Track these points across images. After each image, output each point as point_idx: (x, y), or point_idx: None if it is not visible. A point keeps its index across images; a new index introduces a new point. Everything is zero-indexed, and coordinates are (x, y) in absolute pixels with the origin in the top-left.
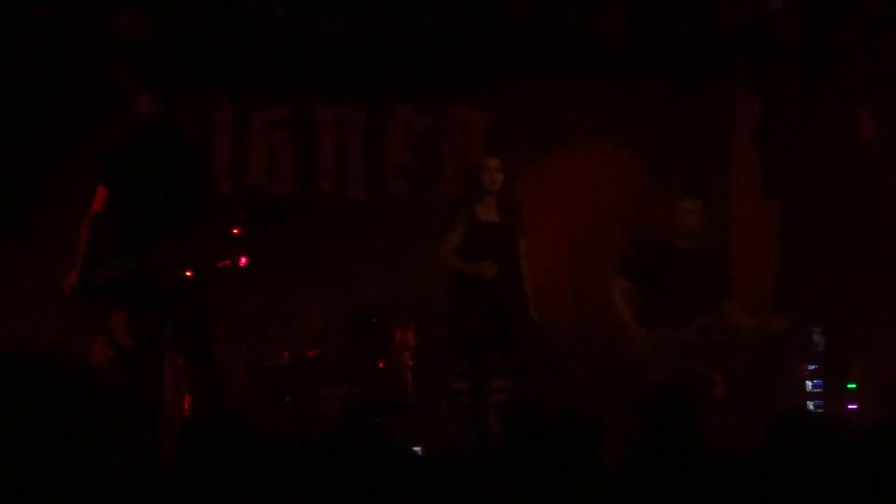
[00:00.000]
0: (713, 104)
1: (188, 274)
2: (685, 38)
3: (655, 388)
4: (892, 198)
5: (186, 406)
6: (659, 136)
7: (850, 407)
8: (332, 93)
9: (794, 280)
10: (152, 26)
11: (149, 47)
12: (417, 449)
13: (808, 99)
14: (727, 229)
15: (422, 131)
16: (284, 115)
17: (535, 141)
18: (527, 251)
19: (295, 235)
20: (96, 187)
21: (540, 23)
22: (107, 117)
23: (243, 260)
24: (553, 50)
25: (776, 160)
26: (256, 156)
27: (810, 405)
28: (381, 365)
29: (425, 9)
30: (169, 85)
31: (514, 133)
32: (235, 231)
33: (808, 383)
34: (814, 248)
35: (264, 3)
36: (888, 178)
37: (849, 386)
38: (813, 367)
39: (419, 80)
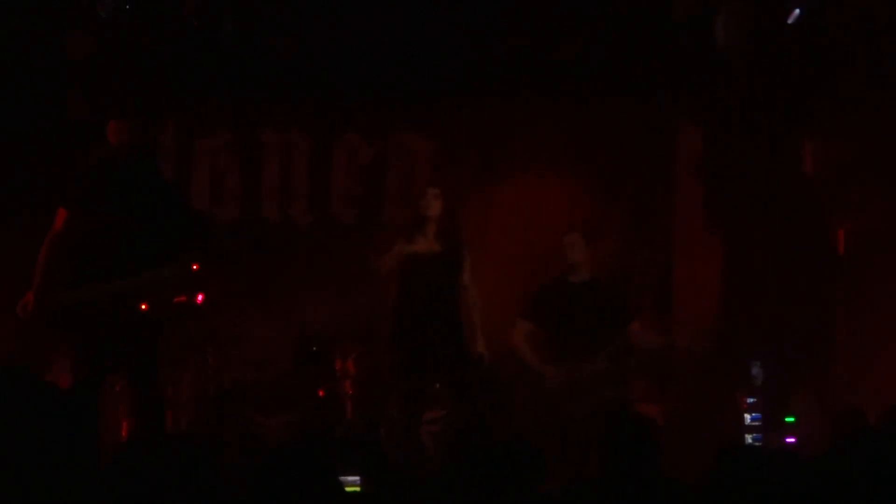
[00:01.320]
0: (657, 134)
1: (143, 307)
2: (630, 68)
3: (578, 421)
4: (833, 231)
5: (124, 432)
6: (604, 165)
7: (788, 440)
8: (277, 117)
9: (736, 312)
10: (99, 48)
11: (95, 69)
12: (355, 478)
13: (751, 131)
14: (670, 260)
15: (367, 158)
16: (229, 139)
17: (480, 169)
18: (472, 281)
19: (238, 260)
20: (57, 210)
21: (485, 51)
22: (57, 137)
23: (200, 297)
24: (499, 78)
25: (718, 192)
26: (200, 180)
27: (749, 438)
28: (321, 393)
29: (370, 35)
30: (134, 115)
31: (459, 161)
32: (194, 267)
33: (747, 416)
34: (755, 281)
35: (211, 26)
36: (830, 211)
37: (787, 419)
38: (752, 399)
39: (365, 107)
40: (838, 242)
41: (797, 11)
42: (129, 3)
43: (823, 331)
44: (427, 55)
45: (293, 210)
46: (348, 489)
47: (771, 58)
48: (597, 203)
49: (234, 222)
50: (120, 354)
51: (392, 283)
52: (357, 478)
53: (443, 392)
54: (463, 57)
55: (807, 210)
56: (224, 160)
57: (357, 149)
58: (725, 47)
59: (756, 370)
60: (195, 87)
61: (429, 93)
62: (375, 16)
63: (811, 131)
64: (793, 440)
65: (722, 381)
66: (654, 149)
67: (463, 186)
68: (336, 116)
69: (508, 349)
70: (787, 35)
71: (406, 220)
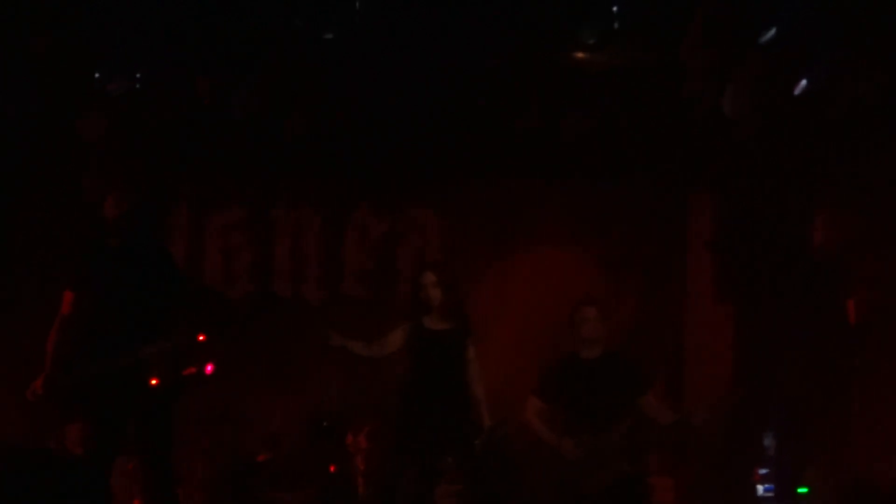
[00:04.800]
0: (669, 207)
1: (154, 382)
2: (641, 144)
3: (594, 498)
4: (843, 300)
5: None
6: (616, 238)
7: None
8: (288, 194)
9: (748, 383)
10: (112, 129)
11: (108, 150)
12: None
13: (762, 202)
14: (682, 332)
15: (378, 234)
16: (240, 216)
17: (492, 244)
18: (479, 355)
19: (251, 337)
20: (63, 292)
21: (497, 126)
22: (71, 218)
23: (209, 367)
24: (510, 153)
25: (729, 263)
26: (213, 257)
27: None
28: (332, 468)
29: (381, 111)
30: (131, 186)
31: (471, 236)
32: (201, 338)
33: (760, 487)
34: (767, 351)
35: (221, 105)
36: (839, 281)
37: (800, 490)
38: (764, 471)
39: (376, 182)
40: (850, 312)
41: (804, 82)
42: (138, 83)
43: (837, 400)
44: (438, 132)
45: (305, 286)
46: None
47: (780, 130)
48: (609, 276)
49: (246, 299)
50: (132, 432)
51: (402, 359)
52: None
53: (456, 466)
54: (474, 134)
55: (818, 280)
56: (236, 237)
57: (368, 224)
58: (734, 121)
59: (769, 441)
60: (207, 166)
61: (440, 168)
62: (387, 93)
63: (822, 202)
64: None
65: (735, 453)
66: (665, 221)
67: (475, 261)
68: (347, 192)
69: (522, 423)
70: (796, 107)
71: (410, 299)
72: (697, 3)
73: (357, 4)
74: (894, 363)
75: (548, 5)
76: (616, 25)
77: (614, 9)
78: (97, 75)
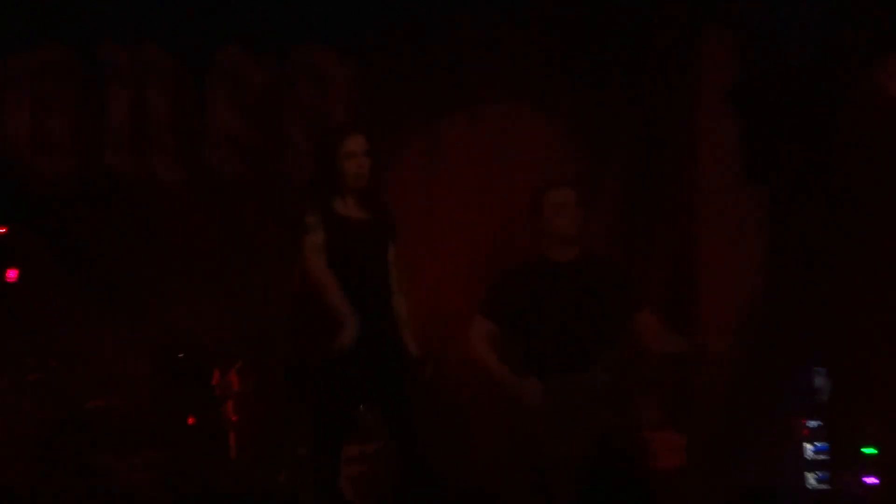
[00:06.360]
0: (675, 45)
1: None
2: None
3: (566, 463)
4: None
5: None
6: (598, 95)
7: (866, 480)
8: (126, 28)
9: (788, 301)
10: None
11: None
12: None
13: (806, 36)
14: (693, 225)
15: (257, 83)
16: (57, 57)
17: (424, 101)
18: (404, 262)
19: (74, 234)
20: None
21: None
22: None
23: (12, 273)
24: None
25: (760, 129)
26: (16, 116)
27: (811, 478)
28: (191, 420)
29: None
30: None
31: (392, 90)
32: (1, 230)
33: (809, 447)
34: (815, 256)
35: None
36: None
37: (865, 451)
38: (815, 423)
39: (254, 12)
40: None
41: None
42: None
43: None
44: None
45: (153, 159)
46: None
47: None
48: (589, 147)
49: (65, 175)
50: None
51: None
52: None
53: (369, 417)
54: None
55: (891, 150)
56: (51, 87)
57: (242, 72)
58: None
59: (820, 382)
60: None
61: None
62: None
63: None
64: (874, 481)
65: (770, 399)
66: (667, 69)
67: (398, 126)
68: (210, 26)
69: (464, 358)
70: None
71: (320, 173)
72: None
73: None
74: None
75: None
76: None
77: None
78: None
